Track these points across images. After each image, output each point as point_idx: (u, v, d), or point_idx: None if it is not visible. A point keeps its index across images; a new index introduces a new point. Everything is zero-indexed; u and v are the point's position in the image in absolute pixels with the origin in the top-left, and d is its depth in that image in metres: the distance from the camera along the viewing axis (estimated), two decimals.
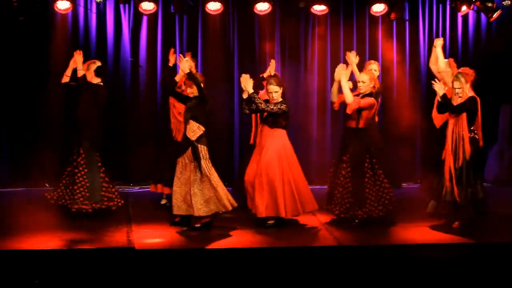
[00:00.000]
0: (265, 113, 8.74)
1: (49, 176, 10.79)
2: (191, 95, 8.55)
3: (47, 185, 10.95)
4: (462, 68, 9.08)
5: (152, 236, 8.26)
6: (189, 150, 8.47)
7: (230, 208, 8.50)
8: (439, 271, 7.58)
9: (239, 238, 8.21)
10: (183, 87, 8.87)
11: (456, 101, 8.54)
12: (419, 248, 7.91)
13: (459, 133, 8.51)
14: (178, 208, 8.46)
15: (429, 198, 8.75)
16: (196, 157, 8.43)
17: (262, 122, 8.81)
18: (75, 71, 9.29)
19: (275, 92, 8.70)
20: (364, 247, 7.98)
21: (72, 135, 9.37)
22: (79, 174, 9.09)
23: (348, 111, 8.79)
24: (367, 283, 7.52)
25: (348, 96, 8.72)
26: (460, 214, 8.58)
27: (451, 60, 9.63)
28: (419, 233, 8.46)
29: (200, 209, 8.39)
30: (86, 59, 9.41)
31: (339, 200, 8.81)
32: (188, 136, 8.47)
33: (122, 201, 9.36)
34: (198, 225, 8.53)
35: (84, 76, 9.13)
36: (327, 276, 7.52)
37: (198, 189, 8.41)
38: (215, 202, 8.44)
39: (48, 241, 7.86)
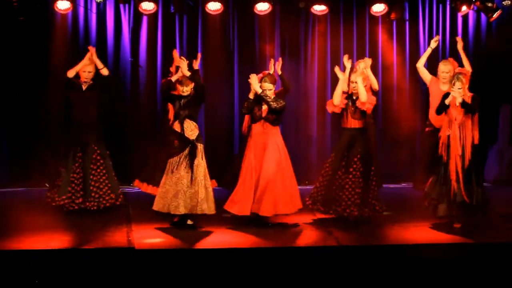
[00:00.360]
0: (266, 112, 8.70)
1: (49, 176, 10.78)
2: (186, 93, 8.51)
3: (47, 185, 10.94)
4: (458, 68, 9.10)
5: (152, 236, 8.25)
6: (187, 150, 8.45)
7: (214, 212, 8.53)
8: (439, 271, 7.58)
9: (239, 238, 8.20)
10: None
11: (454, 101, 8.51)
12: (419, 248, 7.91)
13: (465, 134, 8.50)
14: (169, 206, 8.44)
15: (436, 202, 8.66)
16: (196, 156, 8.43)
17: (264, 120, 8.75)
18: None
19: (269, 89, 8.72)
20: (364, 247, 7.98)
21: (75, 133, 9.33)
22: (98, 170, 9.24)
23: (368, 110, 8.78)
24: (367, 283, 7.51)
25: (364, 94, 8.73)
26: (476, 215, 8.59)
27: (451, 59, 9.66)
28: (419, 233, 8.46)
29: (199, 207, 8.43)
30: None
31: (351, 201, 8.73)
32: (187, 136, 8.46)
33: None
34: (191, 223, 8.54)
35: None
36: (327, 276, 7.52)
37: (197, 187, 8.42)
38: (206, 203, 8.46)
39: (48, 241, 7.86)
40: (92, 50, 9.25)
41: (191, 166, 8.44)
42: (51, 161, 10.61)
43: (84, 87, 9.27)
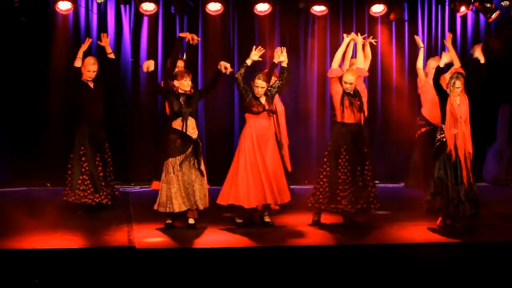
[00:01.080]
0: (268, 104, 8.64)
1: (49, 176, 10.82)
2: (186, 88, 8.47)
3: (48, 184, 10.97)
4: (455, 67, 9.12)
5: (152, 235, 8.27)
6: (190, 149, 8.45)
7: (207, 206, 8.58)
8: (438, 271, 7.59)
9: (239, 238, 8.20)
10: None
11: (455, 100, 8.52)
12: (418, 248, 7.92)
13: (467, 133, 8.51)
14: (178, 205, 8.45)
15: (456, 202, 8.57)
16: (199, 154, 8.44)
17: (268, 112, 8.68)
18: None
19: (262, 87, 8.59)
20: (363, 247, 7.99)
21: (88, 132, 9.31)
22: (109, 165, 9.42)
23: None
24: (367, 282, 7.53)
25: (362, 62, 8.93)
26: (478, 213, 8.64)
27: (438, 57, 9.71)
28: (418, 232, 8.46)
29: (199, 204, 8.46)
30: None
31: (374, 195, 8.73)
32: (189, 134, 8.45)
33: None
34: (192, 222, 8.55)
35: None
36: (327, 276, 7.53)
37: (199, 185, 8.47)
38: (204, 198, 8.50)
39: (48, 240, 7.87)
40: (87, 42, 9.34)
41: (198, 164, 8.45)
42: (51, 161, 10.67)
43: (92, 85, 9.30)
